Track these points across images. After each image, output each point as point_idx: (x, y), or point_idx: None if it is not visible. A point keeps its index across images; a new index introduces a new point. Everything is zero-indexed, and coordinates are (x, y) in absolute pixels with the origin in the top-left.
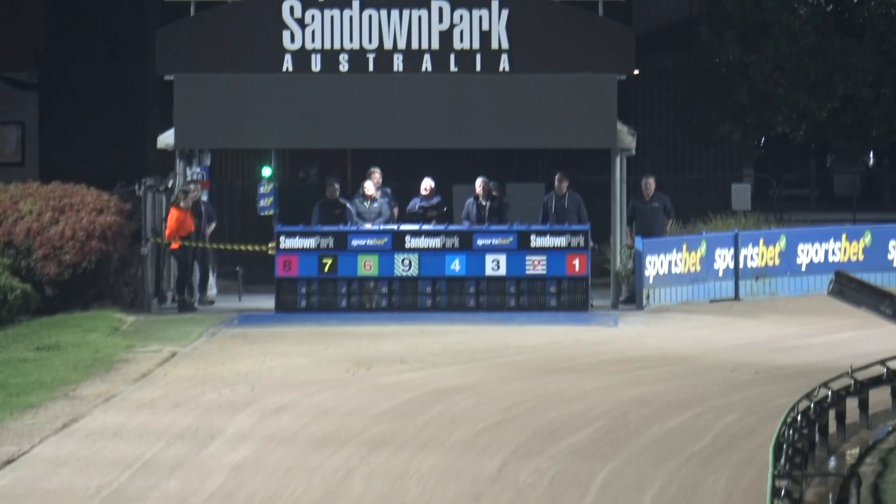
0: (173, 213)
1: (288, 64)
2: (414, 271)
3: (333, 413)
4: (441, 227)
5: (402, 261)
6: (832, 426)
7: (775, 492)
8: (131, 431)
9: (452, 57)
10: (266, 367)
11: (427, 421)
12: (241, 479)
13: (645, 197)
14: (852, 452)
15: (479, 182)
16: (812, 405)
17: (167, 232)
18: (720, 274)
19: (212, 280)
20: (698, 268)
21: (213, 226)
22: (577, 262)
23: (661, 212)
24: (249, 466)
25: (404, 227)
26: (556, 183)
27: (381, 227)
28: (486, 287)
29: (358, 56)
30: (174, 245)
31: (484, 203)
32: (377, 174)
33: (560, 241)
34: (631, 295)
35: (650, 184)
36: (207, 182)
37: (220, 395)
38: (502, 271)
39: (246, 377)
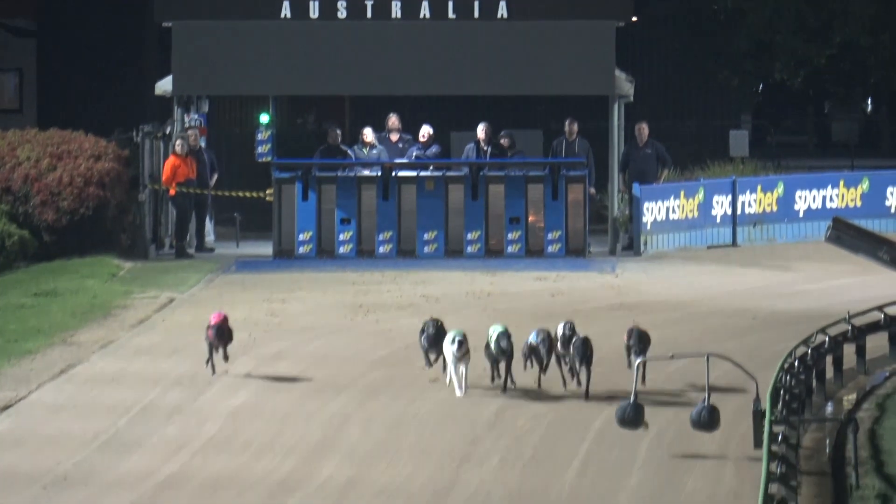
0: (170, 160)
1: (286, 10)
2: (412, 217)
3: (331, 359)
4: (439, 173)
5: (400, 207)
6: (829, 372)
7: (772, 437)
8: (129, 377)
9: (451, 4)
10: (264, 314)
11: (424, 367)
12: (238, 425)
13: (638, 143)
14: (849, 398)
15: (481, 127)
16: (809, 351)
17: (163, 178)
18: (718, 220)
19: (209, 227)
20: (696, 214)
21: (215, 176)
22: (576, 207)
23: (654, 158)
24: (247, 412)
25: (402, 173)
26: (567, 126)
27: (379, 174)
28: (484, 233)
29: (356, 2)
30: (171, 191)
31: (485, 148)
32: (394, 118)
33: (559, 184)
34: (629, 242)
35: (643, 129)
36: (205, 129)
37: None
38: (500, 216)
39: (243, 323)
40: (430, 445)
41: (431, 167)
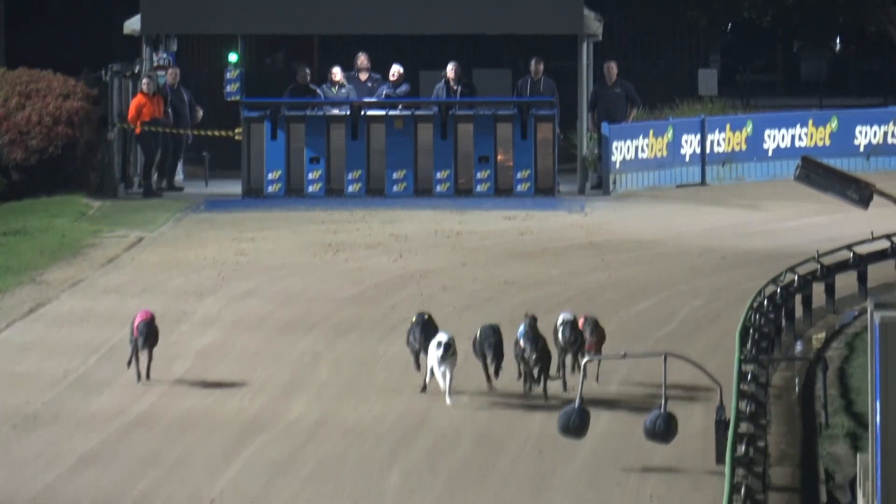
0: (136, 98)
1: None
2: (381, 156)
3: (300, 298)
4: (408, 112)
5: (369, 146)
6: (798, 311)
7: (742, 376)
8: (98, 316)
9: None
10: (233, 253)
11: (394, 306)
12: (207, 364)
13: (607, 82)
14: (819, 337)
15: (450, 66)
16: (778, 290)
17: (129, 117)
18: (687, 159)
19: (179, 166)
20: (665, 153)
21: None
22: (545, 146)
23: (623, 97)
24: (216, 351)
25: (371, 112)
26: (532, 66)
27: (348, 113)
28: (453, 173)
29: None
30: (137, 130)
31: (455, 87)
32: (363, 57)
33: (528, 124)
34: (598, 181)
35: (612, 68)
36: (173, 68)
37: (186, 280)
38: (470, 156)
39: (213, 262)
40: (399, 384)
41: (400, 106)
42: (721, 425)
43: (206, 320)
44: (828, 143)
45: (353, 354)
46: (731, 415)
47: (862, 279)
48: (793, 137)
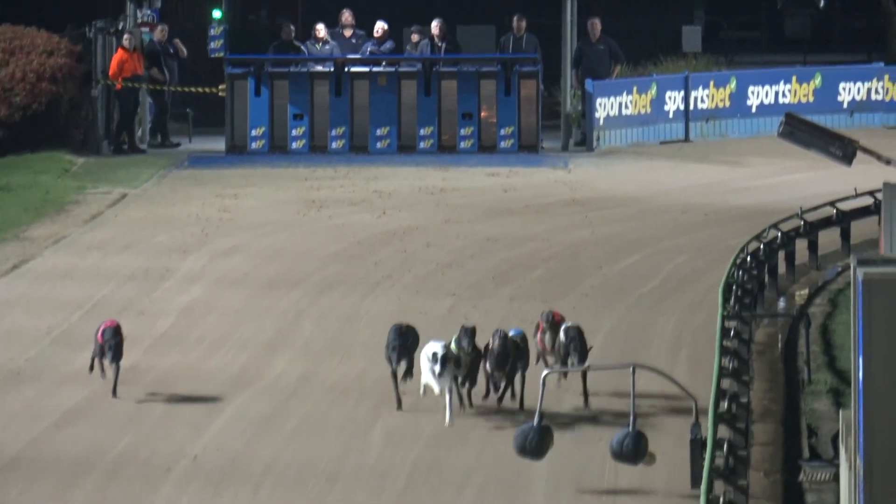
0: (117, 54)
1: None
2: (364, 113)
3: (284, 255)
4: (392, 69)
5: (353, 103)
6: (782, 267)
7: (725, 332)
8: (82, 273)
9: None
10: (216, 209)
11: (377, 262)
12: (191, 321)
13: (591, 39)
14: (802, 293)
15: (435, 23)
16: (761, 246)
17: (110, 73)
18: (670, 116)
19: (154, 121)
20: (649, 110)
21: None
22: (528, 103)
23: (607, 54)
24: (200, 308)
25: (355, 68)
26: (515, 23)
27: (332, 70)
28: (437, 129)
29: None
30: (118, 86)
31: (439, 44)
32: (347, 14)
33: (512, 79)
34: (581, 137)
35: (596, 24)
36: (156, 24)
37: (170, 237)
38: (453, 112)
39: (196, 219)
40: (383, 341)
41: (384, 63)
42: (696, 444)
43: (189, 277)
44: (811, 99)
45: (336, 311)
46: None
47: (845, 235)
48: (776, 94)
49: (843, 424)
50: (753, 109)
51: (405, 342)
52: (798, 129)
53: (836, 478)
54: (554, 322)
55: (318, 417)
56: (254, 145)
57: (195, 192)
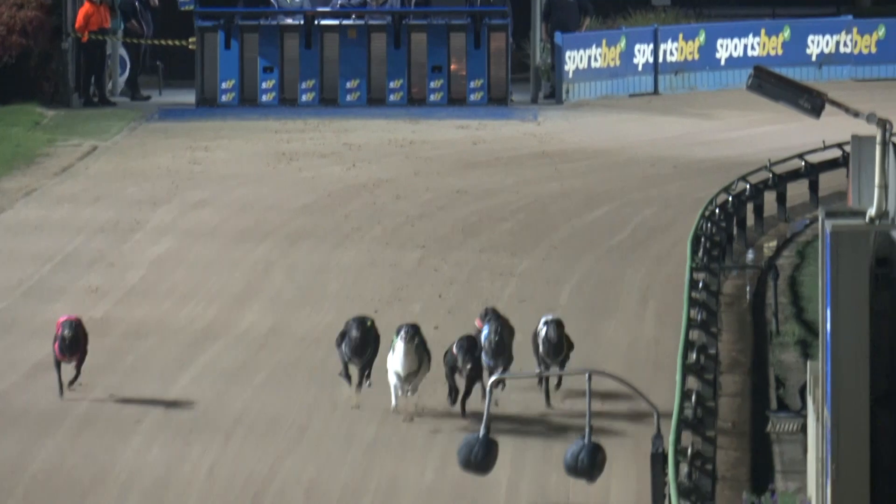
0: (83, 7)
1: None
2: (334, 66)
3: (254, 207)
4: (361, 22)
5: (323, 55)
6: (750, 219)
7: (693, 284)
8: (53, 225)
9: None
10: (186, 162)
11: (347, 214)
12: (161, 272)
13: None
14: (770, 245)
15: None
16: (730, 198)
17: (76, 25)
18: (640, 69)
19: (128, 75)
20: (618, 63)
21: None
22: (498, 56)
23: (576, 7)
24: (170, 260)
25: (325, 21)
26: None
27: (302, 22)
28: (406, 82)
29: None
30: (84, 39)
31: None
32: None
33: (481, 31)
34: (551, 90)
35: None
36: None
37: (140, 189)
38: (423, 65)
39: (167, 171)
40: (352, 292)
41: (354, 16)
42: (657, 459)
43: (159, 229)
44: (780, 52)
45: (306, 263)
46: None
47: (813, 188)
48: (745, 47)
49: (810, 376)
50: (722, 62)
51: (364, 342)
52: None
53: (804, 429)
54: (498, 318)
55: (289, 368)
56: (224, 98)
57: (165, 145)
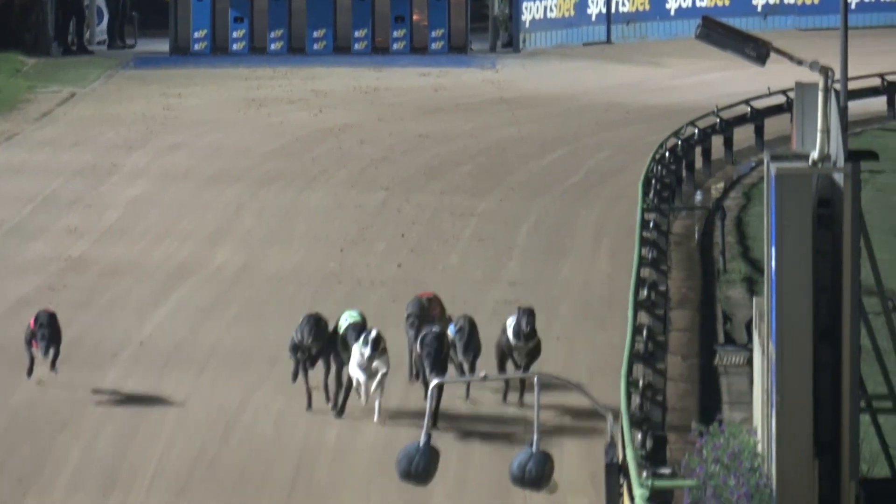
0: None
1: None
2: (302, 16)
3: (225, 151)
4: None
5: (291, 5)
6: (698, 162)
7: (644, 224)
8: (33, 168)
9: None
10: (161, 108)
11: (314, 158)
12: (137, 214)
13: None
14: (717, 187)
15: None
16: (679, 142)
17: None
18: (593, 19)
19: (104, 25)
20: (572, 13)
21: None
22: (458, 6)
23: None
24: (145, 202)
25: None
26: None
27: None
28: (371, 31)
29: None
30: None
31: None
32: None
33: None
34: (508, 39)
35: None
36: None
37: (117, 134)
38: (387, 15)
39: (142, 117)
40: (320, 233)
41: None
42: (612, 469)
43: (135, 172)
44: (727, 3)
45: (275, 204)
46: (634, 262)
47: (759, 132)
48: None
49: (756, 311)
50: (672, 13)
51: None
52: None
53: (750, 362)
54: (424, 310)
55: (259, 305)
56: (196, 47)
57: (140, 92)
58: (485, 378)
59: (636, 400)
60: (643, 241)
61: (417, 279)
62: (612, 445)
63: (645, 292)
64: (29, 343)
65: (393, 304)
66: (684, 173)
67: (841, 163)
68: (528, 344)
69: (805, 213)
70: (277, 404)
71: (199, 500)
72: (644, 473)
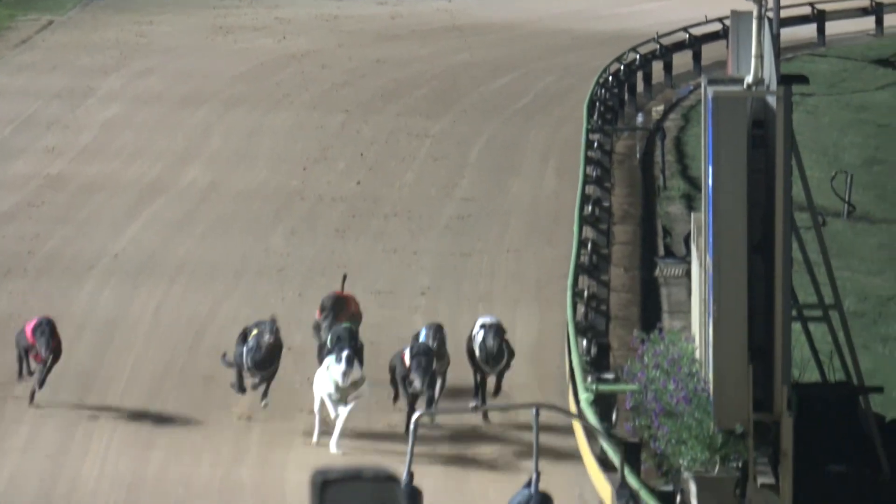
0: None
1: None
2: None
3: (194, 75)
4: None
5: None
6: (640, 86)
7: (589, 144)
8: (12, 91)
9: None
10: (134, 35)
11: (278, 83)
12: (111, 134)
13: None
14: (658, 109)
15: None
16: (622, 67)
17: None
18: None
19: None
20: None
21: None
22: None
23: None
24: (119, 123)
25: None
26: None
27: None
28: None
29: None
30: None
31: None
32: None
33: None
34: None
35: None
36: None
37: (92, 59)
38: None
39: (116, 43)
40: (283, 152)
41: None
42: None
43: (110, 95)
44: None
45: (241, 126)
46: (579, 178)
47: (696, 58)
48: None
49: (694, 226)
50: None
51: (271, 351)
52: None
53: (688, 273)
54: (340, 306)
55: (227, 220)
56: None
57: (115, 20)
58: (475, 409)
59: (581, 309)
60: (588, 161)
61: (376, 196)
62: (623, 487)
63: (589, 208)
64: (25, 353)
65: (352, 219)
66: (626, 96)
67: (774, 86)
68: (497, 366)
69: (740, 133)
70: (244, 312)
71: (170, 403)
72: (588, 378)
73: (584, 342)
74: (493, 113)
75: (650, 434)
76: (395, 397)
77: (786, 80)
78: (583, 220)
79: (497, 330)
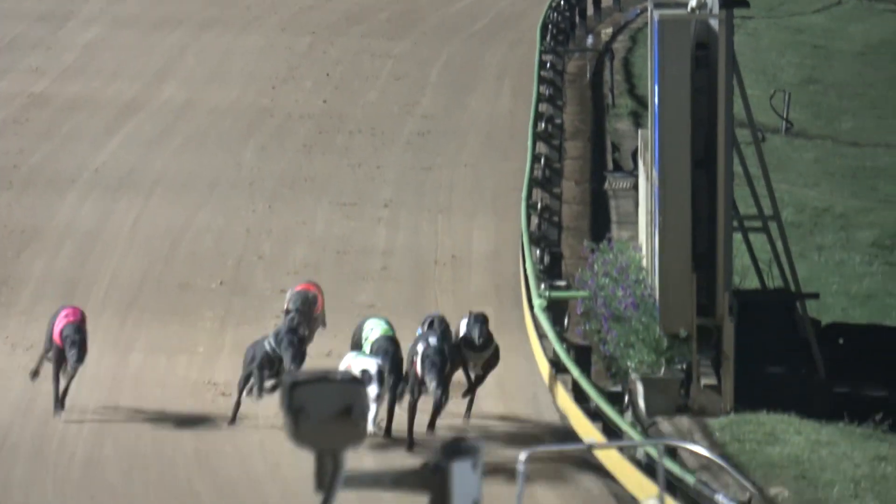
0: None
1: None
2: None
3: None
4: None
5: None
6: (590, 9)
7: (542, 64)
8: None
9: None
10: None
11: (249, 6)
12: (92, 55)
13: None
14: (607, 31)
15: None
16: None
17: None
18: None
19: None
20: None
21: None
22: None
23: None
24: (98, 44)
25: None
26: None
27: None
28: None
29: None
30: None
31: None
32: None
33: None
34: None
35: None
36: None
37: None
38: None
39: None
40: (255, 71)
41: None
42: None
43: (89, 18)
44: None
45: (214, 46)
46: (532, 97)
47: None
48: None
49: (641, 142)
50: None
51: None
52: None
53: (636, 186)
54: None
55: (201, 136)
56: None
57: None
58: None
59: (535, 220)
60: (541, 80)
61: (341, 113)
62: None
63: (543, 125)
64: (51, 351)
65: (319, 136)
66: (577, 19)
67: (716, 10)
68: (483, 354)
69: (684, 54)
70: (217, 223)
71: (148, 309)
72: (542, 286)
73: (538, 251)
74: (451, 35)
75: (600, 338)
76: (401, 396)
77: (727, 3)
78: (536, 136)
79: (480, 318)
